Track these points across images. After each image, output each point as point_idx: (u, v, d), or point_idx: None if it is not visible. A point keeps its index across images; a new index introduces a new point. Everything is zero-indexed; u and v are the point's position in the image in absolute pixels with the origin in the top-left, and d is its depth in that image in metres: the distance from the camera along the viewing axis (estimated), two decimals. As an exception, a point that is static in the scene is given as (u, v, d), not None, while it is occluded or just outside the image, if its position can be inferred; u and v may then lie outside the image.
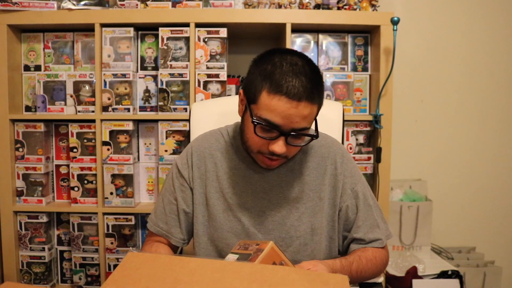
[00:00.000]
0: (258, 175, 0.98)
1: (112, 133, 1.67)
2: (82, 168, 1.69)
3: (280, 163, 0.93)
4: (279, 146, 0.86)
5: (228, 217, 0.97)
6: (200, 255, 1.00)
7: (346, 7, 1.69)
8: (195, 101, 1.65)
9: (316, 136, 0.88)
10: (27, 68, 1.75)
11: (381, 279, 1.02)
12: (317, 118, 0.91)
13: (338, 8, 1.70)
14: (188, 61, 1.66)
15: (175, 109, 1.67)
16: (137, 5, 1.67)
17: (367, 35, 1.76)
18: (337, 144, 1.04)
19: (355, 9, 1.69)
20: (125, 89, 1.67)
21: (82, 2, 1.65)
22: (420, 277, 1.66)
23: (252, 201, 0.97)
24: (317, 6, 1.71)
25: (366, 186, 1.03)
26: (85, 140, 1.69)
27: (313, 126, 0.92)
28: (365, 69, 1.77)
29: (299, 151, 0.98)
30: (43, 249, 1.72)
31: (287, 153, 0.89)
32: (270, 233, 0.96)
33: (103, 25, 1.66)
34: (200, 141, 1.04)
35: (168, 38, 1.66)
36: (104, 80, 1.66)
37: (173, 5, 1.68)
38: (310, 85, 0.84)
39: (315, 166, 0.99)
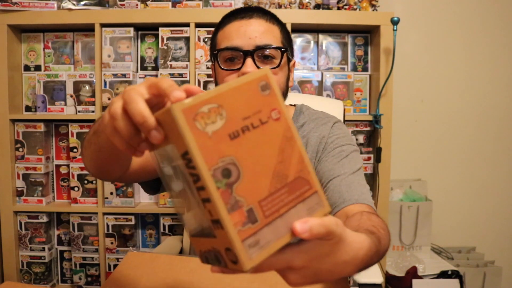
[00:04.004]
0: None
1: (112, 133, 1.66)
2: (82, 168, 1.69)
3: None
4: (246, 66, 0.81)
5: None
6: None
7: (346, 7, 1.69)
8: (195, 101, 1.65)
9: (284, 48, 0.84)
10: (27, 68, 1.75)
11: (381, 280, 1.02)
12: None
13: (338, 8, 1.70)
14: (188, 61, 1.66)
15: (175, 109, 1.67)
16: (137, 5, 1.67)
17: (367, 35, 1.76)
18: (331, 116, 0.97)
19: (355, 9, 1.69)
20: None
21: (82, 2, 1.65)
22: (420, 277, 1.66)
23: None
24: (317, 6, 1.71)
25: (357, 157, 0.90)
26: (85, 140, 1.69)
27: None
28: (365, 69, 1.77)
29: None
30: (43, 249, 1.72)
31: None
32: None
33: (103, 25, 1.66)
34: None
35: (168, 38, 1.66)
36: (104, 80, 1.66)
37: (173, 5, 1.68)
38: (261, 9, 0.87)
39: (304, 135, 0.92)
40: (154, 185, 0.93)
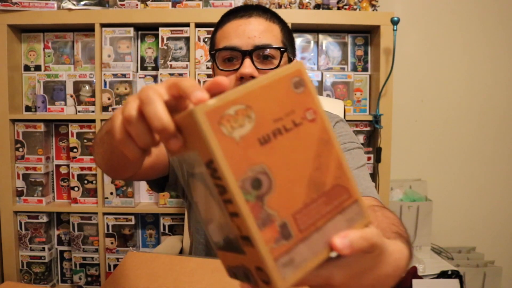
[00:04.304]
0: None
1: (112, 133, 1.66)
2: (82, 168, 1.69)
3: None
4: (244, 67, 0.78)
5: None
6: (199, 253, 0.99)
7: (346, 7, 1.69)
8: (195, 101, 1.65)
9: (284, 48, 0.82)
10: (27, 68, 1.75)
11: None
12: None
13: (338, 8, 1.70)
14: (188, 61, 1.66)
15: (175, 109, 1.67)
16: (137, 5, 1.67)
17: (367, 35, 1.76)
18: (334, 115, 0.99)
19: (355, 9, 1.69)
20: (125, 89, 1.67)
21: (82, 2, 1.65)
22: (420, 277, 1.66)
23: None
24: (317, 6, 1.71)
25: (361, 153, 0.92)
26: (85, 140, 1.69)
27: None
28: (365, 69, 1.77)
29: None
30: (43, 249, 1.72)
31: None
32: None
33: (103, 25, 1.65)
34: None
35: (168, 38, 1.66)
36: (104, 80, 1.66)
37: (173, 5, 1.67)
38: (261, 7, 0.85)
39: None
40: (160, 183, 0.92)
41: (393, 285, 0.42)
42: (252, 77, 0.79)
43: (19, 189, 1.70)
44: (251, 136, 0.33)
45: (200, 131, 0.31)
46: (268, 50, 0.82)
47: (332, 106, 1.24)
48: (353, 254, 0.35)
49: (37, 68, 1.75)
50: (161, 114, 0.33)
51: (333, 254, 0.36)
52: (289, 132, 0.35)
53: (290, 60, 0.90)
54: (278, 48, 0.82)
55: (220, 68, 0.84)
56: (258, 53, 0.81)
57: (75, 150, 1.69)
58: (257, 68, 0.81)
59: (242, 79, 0.80)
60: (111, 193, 1.67)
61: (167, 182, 0.92)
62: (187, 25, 1.64)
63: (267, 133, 0.33)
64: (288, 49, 0.86)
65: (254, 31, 0.81)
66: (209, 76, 1.65)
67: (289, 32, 0.90)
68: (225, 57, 0.83)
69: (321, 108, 0.37)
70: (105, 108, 1.67)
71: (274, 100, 0.34)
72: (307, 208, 0.34)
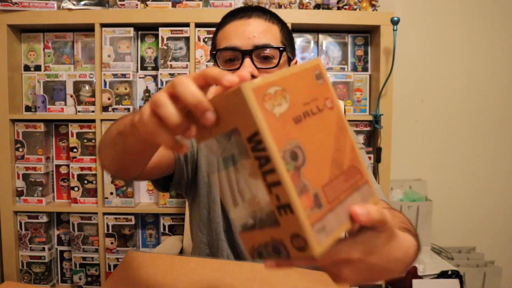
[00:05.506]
0: None
1: (112, 133, 1.66)
2: (82, 168, 1.69)
3: None
4: (244, 67, 0.80)
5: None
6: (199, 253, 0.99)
7: (346, 7, 1.69)
8: (195, 101, 1.64)
9: (283, 48, 0.84)
10: (27, 68, 1.75)
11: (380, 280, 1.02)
12: None
13: (338, 8, 1.70)
14: (188, 61, 1.66)
15: (175, 109, 1.67)
16: (137, 5, 1.67)
17: (367, 35, 1.76)
18: None
19: (355, 9, 1.69)
20: (125, 89, 1.67)
21: (82, 2, 1.65)
22: (420, 277, 1.66)
23: None
24: (317, 6, 1.71)
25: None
26: (85, 140, 1.69)
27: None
28: (365, 69, 1.77)
29: None
30: (43, 249, 1.72)
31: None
32: None
33: (103, 25, 1.66)
34: None
35: (168, 38, 1.66)
36: (104, 80, 1.66)
37: (173, 5, 1.68)
38: (260, 8, 0.87)
39: None
40: (165, 183, 0.93)
41: (402, 271, 0.46)
42: (253, 76, 0.80)
43: (19, 189, 1.70)
44: (288, 114, 0.36)
45: (247, 105, 0.34)
46: (267, 49, 0.83)
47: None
48: (368, 224, 0.39)
49: (37, 68, 1.75)
50: (194, 90, 0.36)
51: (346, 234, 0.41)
52: (315, 115, 0.39)
53: (289, 60, 0.91)
54: (277, 48, 0.84)
55: (221, 68, 0.85)
56: (257, 53, 0.83)
57: (75, 150, 1.69)
58: (257, 68, 0.82)
59: None
60: (111, 193, 1.67)
61: (171, 182, 0.92)
62: (187, 25, 1.64)
63: (299, 114, 0.38)
64: (287, 49, 0.88)
65: (253, 32, 0.82)
66: (209, 76, 1.65)
67: (288, 32, 0.92)
68: (226, 58, 0.85)
69: (337, 99, 0.43)
70: (105, 108, 1.67)
71: (302, 87, 0.39)
72: (332, 182, 0.39)
